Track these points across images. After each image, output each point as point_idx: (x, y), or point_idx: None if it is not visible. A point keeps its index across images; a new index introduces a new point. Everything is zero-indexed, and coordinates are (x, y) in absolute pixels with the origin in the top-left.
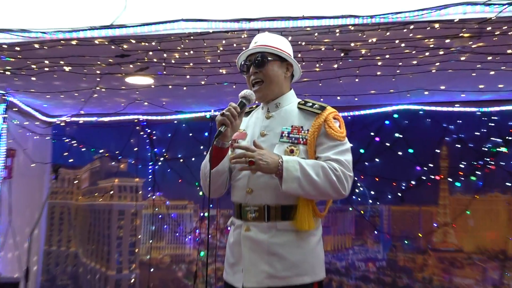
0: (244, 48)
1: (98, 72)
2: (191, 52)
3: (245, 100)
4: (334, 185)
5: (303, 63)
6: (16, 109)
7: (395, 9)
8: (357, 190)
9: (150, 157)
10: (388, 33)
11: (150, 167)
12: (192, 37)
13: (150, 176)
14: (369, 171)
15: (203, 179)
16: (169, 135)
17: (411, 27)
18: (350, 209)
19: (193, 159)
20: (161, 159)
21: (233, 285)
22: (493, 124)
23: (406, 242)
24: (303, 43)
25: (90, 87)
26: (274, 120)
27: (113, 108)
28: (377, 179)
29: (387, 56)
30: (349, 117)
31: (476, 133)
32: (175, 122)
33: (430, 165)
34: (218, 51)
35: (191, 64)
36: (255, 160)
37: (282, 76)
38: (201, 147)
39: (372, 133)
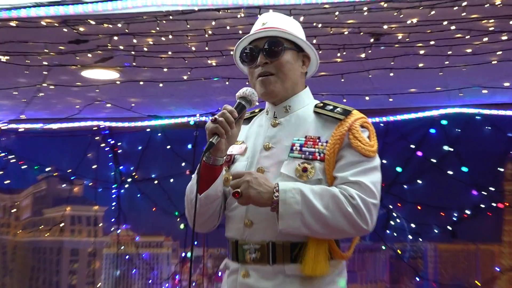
0: (240, 32)
1: (45, 63)
2: (170, 36)
3: (245, 101)
4: (350, 219)
5: (320, 52)
6: None
7: None
8: (392, 222)
9: (114, 178)
10: (433, 12)
11: (113, 191)
12: (171, 17)
13: (113, 203)
14: (409, 196)
15: (189, 208)
16: (140, 147)
17: (464, 3)
18: (383, 247)
19: (171, 180)
20: (129, 180)
21: None
22: None
23: None
24: (320, 25)
25: (34, 83)
26: (282, 129)
27: (64, 111)
28: (419, 208)
29: (432, 43)
30: (382, 124)
31: None
32: (148, 130)
33: (490, 188)
34: (206, 35)
35: (169, 52)
36: (242, 190)
37: (299, 72)
38: (183, 164)
39: (412, 146)
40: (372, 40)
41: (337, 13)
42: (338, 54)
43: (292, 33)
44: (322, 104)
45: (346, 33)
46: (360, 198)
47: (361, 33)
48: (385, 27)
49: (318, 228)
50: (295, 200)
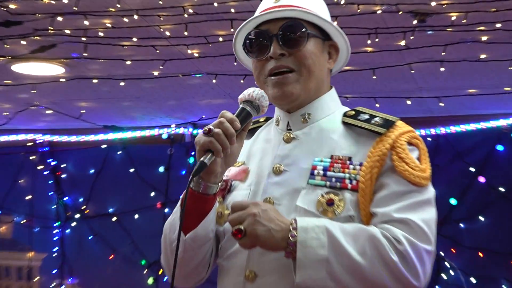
0: (233, 11)
1: None
2: (135, 17)
3: (251, 107)
4: (394, 271)
5: None
6: None
7: None
8: (444, 276)
9: (56, 213)
10: None
11: (55, 231)
12: None
13: (55, 249)
14: (467, 239)
15: (168, 253)
16: (92, 171)
17: None
18: None
19: (136, 216)
20: (77, 216)
21: None
22: None
23: None
24: (342, 1)
25: None
26: (299, 146)
27: None
28: (481, 255)
29: (499, 25)
30: (429, 139)
31: None
32: (104, 147)
33: None
34: (185, 15)
35: (134, 39)
36: (246, 227)
37: (326, 67)
38: (152, 194)
39: (472, 169)
40: (415, 21)
41: None
42: (369, 42)
43: (317, 14)
44: (354, 113)
45: (379, 12)
46: (409, 242)
47: (400, 12)
48: (433, 3)
49: (350, 281)
50: (320, 242)
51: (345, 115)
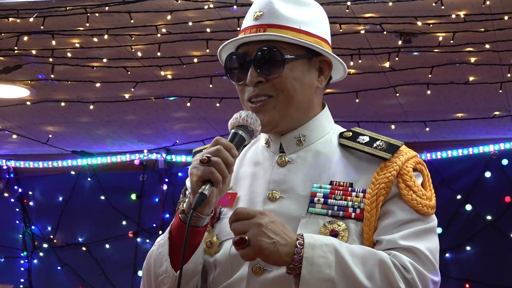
0: (208, 31)
1: None
2: (105, 37)
3: (245, 132)
4: None
5: None
6: None
7: None
8: None
9: (23, 242)
10: (488, 2)
11: (22, 261)
12: (107, 8)
13: (22, 280)
14: (453, 270)
15: (148, 286)
16: (61, 198)
17: None
18: None
19: (107, 246)
20: (45, 245)
21: None
22: None
23: None
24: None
25: None
26: (295, 170)
27: None
28: (467, 286)
29: (488, 47)
30: None
31: None
32: (73, 173)
33: None
34: (158, 35)
35: (104, 60)
36: (250, 237)
37: (313, 88)
38: (124, 223)
39: (458, 196)
40: (400, 42)
41: (349, 3)
42: (351, 63)
43: (302, 30)
44: (351, 134)
45: (362, 32)
46: (417, 271)
47: (384, 32)
48: (420, 23)
49: None
50: (327, 261)
51: (341, 136)
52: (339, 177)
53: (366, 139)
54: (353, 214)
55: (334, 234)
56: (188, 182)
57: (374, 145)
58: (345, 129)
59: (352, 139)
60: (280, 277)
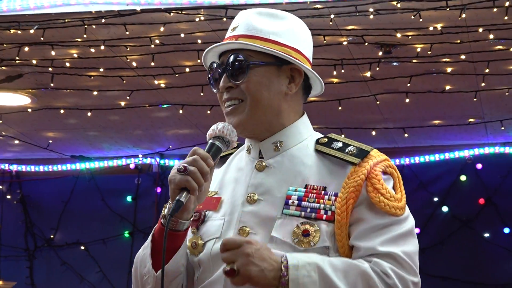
0: (199, 42)
1: None
2: (102, 47)
3: (221, 142)
4: None
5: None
6: None
7: None
8: None
9: (25, 242)
10: (464, 15)
11: (24, 259)
12: (103, 20)
13: (25, 277)
14: (431, 267)
15: (137, 286)
16: (61, 200)
17: (506, 3)
18: None
19: (104, 245)
20: (45, 245)
21: None
22: None
23: None
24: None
25: None
26: (272, 174)
27: None
28: (445, 283)
29: (463, 57)
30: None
31: None
32: (72, 176)
33: None
34: (152, 46)
35: (101, 69)
36: (239, 267)
37: (281, 93)
38: (120, 223)
39: (435, 198)
40: (381, 53)
41: (332, 16)
42: (334, 73)
43: (271, 39)
44: (326, 140)
45: (345, 43)
46: (397, 276)
47: (366, 44)
48: (399, 35)
49: None
50: (311, 280)
51: (317, 142)
52: (313, 181)
53: (340, 144)
54: (324, 216)
55: (306, 234)
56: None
57: (346, 150)
58: (322, 135)
59: (327, 145)
60: None
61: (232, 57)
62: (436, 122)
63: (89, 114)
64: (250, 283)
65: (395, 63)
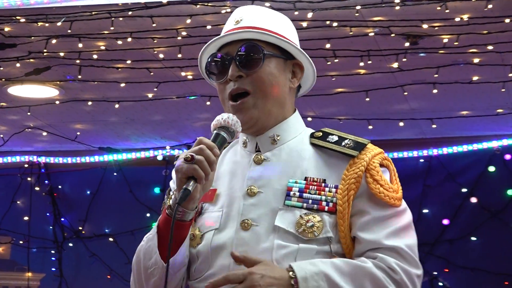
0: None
1: None
2: (129, 39)
3: (227, 133)
4: None
5: (335, 61)
6: None
7: None
8: None
9: (53, 234)
10: (490, 5)
11: (53, 251)
12: (130, 12)
13: (53, 269)
14: (460, 259)
15: (140, 279)
16: (88, 192)
17: None
18: None
19: (132, 237)
20: (74, 237)
21: None
22: None
23: None
24: (335, 24)
25: None
26: (271, 167)
27: None
28: (474, 274)
29: (490, 48)
30: (422, 160)
31: None
32: (100, 168)
33: None
34: (179, 38)
35: (128, 61)
36: None
37: (286, 87)
38: (148, 215)
39: (464, 189)
40: (407, 44)
41: (359, 7)
42: (361, 64)
43: (278, 33)
44: (321, 134)
45: (371, 34)
46: (403, 270)
47: (393, 35)
48: (425, 26)
49: None
50: None
51: (312, 136)
52: (312, 173)
53: (335, 138)
54: (326, 207)
55: (309, 224)
56: (172, 183)
57: (343, 143)
58: (314, 131)
59: (322, 138)
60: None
61: (245, 46)
62: (464, 112)
63: (116, 106)
64: None
65: (422, 54)
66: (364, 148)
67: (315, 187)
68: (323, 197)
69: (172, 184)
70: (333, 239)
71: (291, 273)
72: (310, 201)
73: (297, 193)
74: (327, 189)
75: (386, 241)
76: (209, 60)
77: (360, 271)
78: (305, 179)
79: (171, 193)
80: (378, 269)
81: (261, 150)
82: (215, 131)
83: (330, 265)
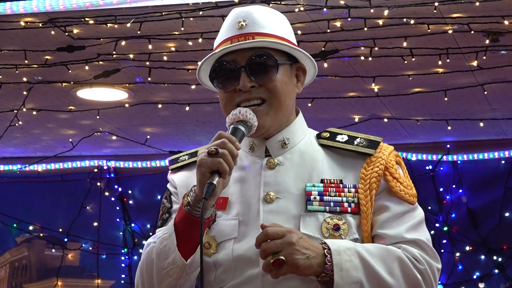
0: (299, 33)
1: (24, 79)
2: (200, 40)
3: (245, 127)
4: None
5: (413, 59)
6: None
7: None
8: None
9: (124, 239)
10: None
11: (123, 258)
12: (201, 12)
13: (123, 276)
14: None
15: (151, 281)
16: (159, 197)
17: None
18: None
19: None
20: (144, 242)
21: None
22: None
23: None
24: (412, 22)
25: (9, 107)
26: (285, 172)
27: (52, 147)
28: None
29: None
30: (503, 162)
31: None
32: None
33: None
34: None
35: (199, 63)
36: (286, 257)
37: (294, 92)
38: None
39: None
40: (487, 41)
41: (436, 3)
42: (440, 62)
43: (285, 38)
44: (328, 134)
45: (450, 32)
46: (427, 262)
47: (472, 32)
48: (506, 22)
49: None
50: (353, 264)
51: (319, 137)
52: (327, 175)
53: (345, 137)
54: (349, 208)
55: (337, 228)
56: (170, 187)
57: (355, 142)
58: (318, 131)
59: (331, 138)
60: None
61: (257, 54)
62: None
63: (187, 108)
64: (297, 272)
65: (503, 52)
66: (378, 146)
67: (334, 188)
68: (344, 198)
69: (171, 188)
70: (359, 240)
71: (324, 245)
72: (332, 203)
73: (318, 197)
74: (346, 189)
75: (407, 235)
76: (214, 67)
77: (390, 254)
78: (322, 181)
79: (171, 196)
80: (406, 257)
81: (271, 155)
82: (232, 126)
83: (360, 245)
